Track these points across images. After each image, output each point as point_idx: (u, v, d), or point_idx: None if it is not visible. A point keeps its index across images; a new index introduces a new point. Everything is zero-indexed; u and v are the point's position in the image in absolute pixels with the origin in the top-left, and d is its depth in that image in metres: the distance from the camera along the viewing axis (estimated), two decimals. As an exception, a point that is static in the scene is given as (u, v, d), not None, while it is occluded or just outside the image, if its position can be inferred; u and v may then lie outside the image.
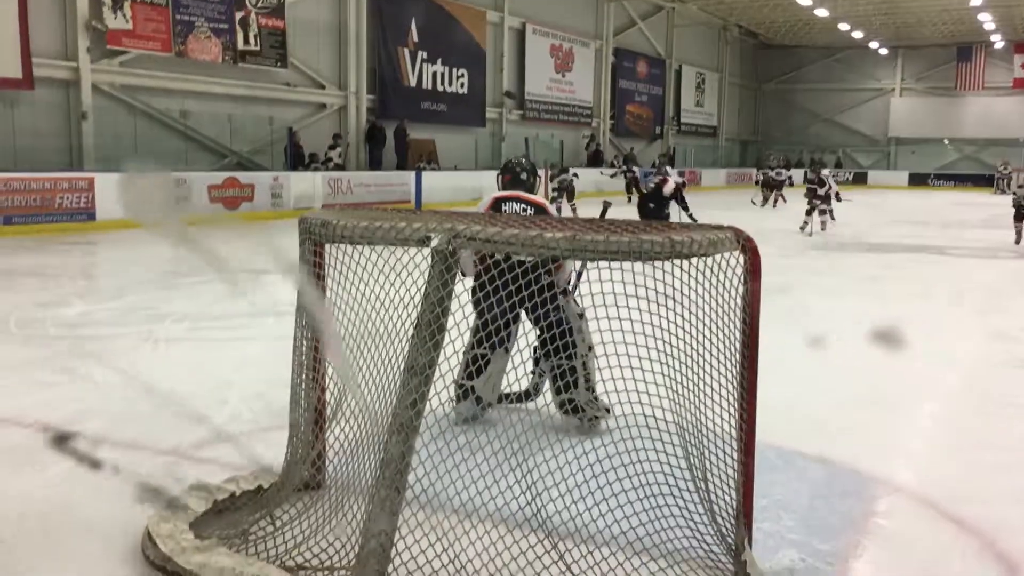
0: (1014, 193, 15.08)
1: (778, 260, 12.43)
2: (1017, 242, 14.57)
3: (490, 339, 4.24)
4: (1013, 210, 14.85)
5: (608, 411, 4.26)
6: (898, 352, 6.94)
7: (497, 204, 4.77)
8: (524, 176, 4.97)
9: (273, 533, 3.24)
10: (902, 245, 15.42)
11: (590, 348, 4.42)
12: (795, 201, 23.10)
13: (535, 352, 4.63)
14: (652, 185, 13.97)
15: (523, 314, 4.48)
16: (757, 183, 28.58)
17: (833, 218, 17.53)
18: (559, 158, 27.99)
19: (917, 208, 25.59)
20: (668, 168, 17.96)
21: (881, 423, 5.06)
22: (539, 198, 4.91)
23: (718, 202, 25.38)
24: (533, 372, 4.72)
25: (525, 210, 4.72)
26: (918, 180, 39.35)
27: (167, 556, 3.03)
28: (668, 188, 13.41)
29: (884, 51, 41.75)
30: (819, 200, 16.95)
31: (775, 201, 25.47)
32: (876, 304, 9.19)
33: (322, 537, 3.10)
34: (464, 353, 4.30)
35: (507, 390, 4.58)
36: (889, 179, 39.56)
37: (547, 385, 4.65)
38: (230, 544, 3.15)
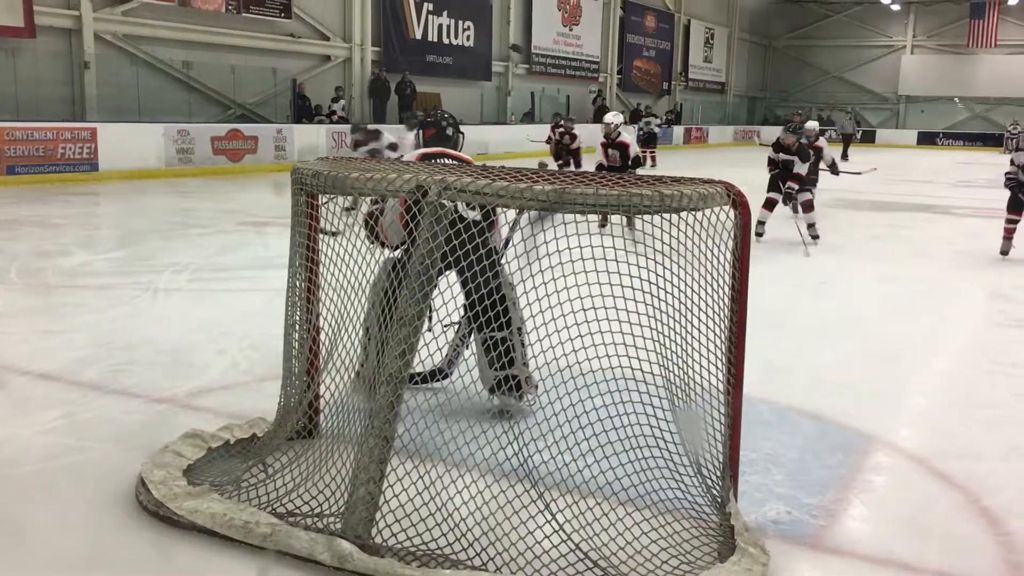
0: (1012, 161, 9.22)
1: (782, 217, 12.39)
2: (1004, 252, 9.40)
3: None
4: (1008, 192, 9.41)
5: (536, 388, 4.01)
6: (899, 310, 6.97)
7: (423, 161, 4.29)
8: (450, 132, 4.56)
9: (265, 480, 3.28)
10: (907, 204, 15.35)
11: (522, 320, 3.95)
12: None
13: (463, 323, 4.13)
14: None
15: (444, 281, 3.72)
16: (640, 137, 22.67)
17: (813, 238, 10.05)
18: (566, 112, 27.79)
19: (924, 167, 25.41)
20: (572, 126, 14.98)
21: (876, 380, 5.08)
22: (465, 155, 4.48)
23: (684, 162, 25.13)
24: (451, 348, 4.16)
25: None
26: (927, 139, 38.97)
27: (159, 501, 3.07)
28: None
29: (896, 7, 41.10)
30: (796, 186, 9.84)
31: (648, 159, 21.10)
32: (879, 262, 9.18)
33: (312, 484, 3.14)
34: (370, 332, 3.66)
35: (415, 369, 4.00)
36: (897, 138, 39.18)
37: (467, 361, 4.01)
38: (222, 491, 3.19)
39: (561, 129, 15.66)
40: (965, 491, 3.58)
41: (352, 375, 3.38)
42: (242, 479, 3.31)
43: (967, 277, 8.21)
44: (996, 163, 23.33)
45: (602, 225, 7.42)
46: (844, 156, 25.03)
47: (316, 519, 3.01)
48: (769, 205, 10.09)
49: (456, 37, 24.65)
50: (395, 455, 2.98)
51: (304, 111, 19.57)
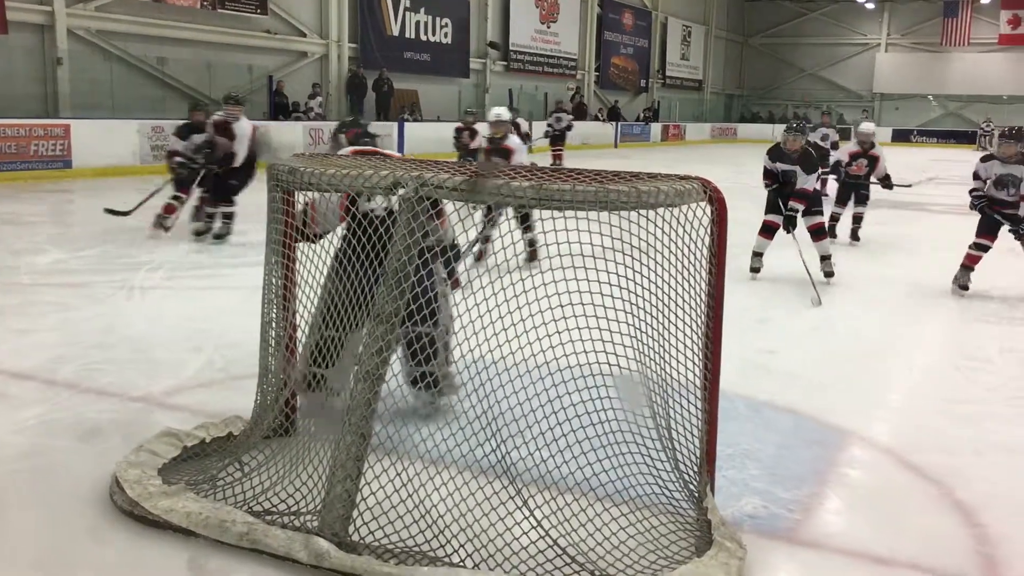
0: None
1: (759, 214, 12.44)
2: (963, 287, 7.44)
3: (344, 317, 3.35)
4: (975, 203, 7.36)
5: (458, 389, 3.79)
6: (875, 307, 7.03)
7: None
8: (371, 130, 4.69)
9: (241, 479, 3.26)
10: (883, 201, 15.43)
11: (451, 319, 3.95)
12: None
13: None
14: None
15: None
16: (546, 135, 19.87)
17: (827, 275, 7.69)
18: (543, 110, 27.76)
19: (899, 164, 25.58)
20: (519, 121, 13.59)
21: (852, 376, 5.12)
22: (397, 153, 4.41)
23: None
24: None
25: None
26: (901, 136, 39.24)
27: (134, 501, 3.05)
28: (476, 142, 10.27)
29: (871, 5, 41.43)
30: (799, 206, 7.50)
31: (554, 160, 19.25)
32: (856, 259, 9.24)
33: (289, 483, 3.12)
34: (311, 333, 3.61)
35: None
36: (873, 135, 39.47)
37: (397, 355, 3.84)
38: (198, 490, 3.17)
39: (459, 124, 14.40)
40: (939, 484, 3.62)
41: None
42: (218, 478, 3.29)
43: (943, 274, 8.27)
44: (970, 160, 23.58)
45: (530, 259, 6.31)
46: None
47: (293, 517, 2.99)
48: (767, 231, 7.71)
49: (434, 34, 24.59)
50: (372, 452, 2.97)
51: (281, 108, 19.46)
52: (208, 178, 8.89)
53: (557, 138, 19.84)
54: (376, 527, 2.88)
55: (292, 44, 20.64)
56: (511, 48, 28.06)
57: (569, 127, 20.52)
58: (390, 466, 3.01)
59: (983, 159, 7.39)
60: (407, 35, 23.62)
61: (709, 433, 3.15)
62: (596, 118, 30.93)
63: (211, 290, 7.01)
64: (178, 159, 8.99)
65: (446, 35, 25.03)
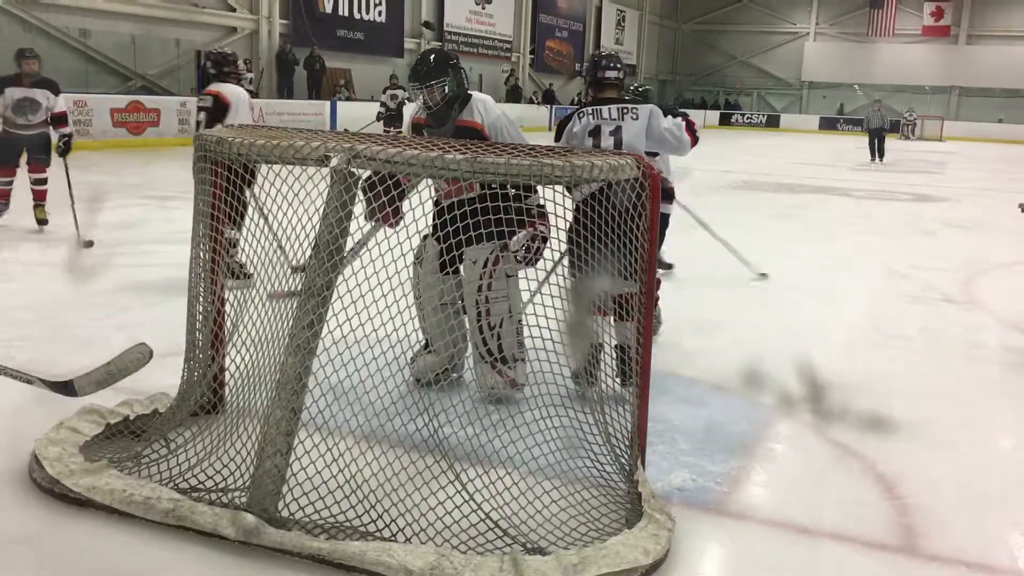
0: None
1: (690, 197, 12.60)
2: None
3: None
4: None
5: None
6: (799, 286, 7.18)
7: None
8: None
9: (167, 456, 3.19)
10: (809, 186, 15.80)
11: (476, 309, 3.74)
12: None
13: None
14: None
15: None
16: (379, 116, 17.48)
17: None
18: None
19: (828, 151, 26.16)
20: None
21: (777, 353, 5.21)
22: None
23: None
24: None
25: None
26: (828, 124, 40.13)
27: (54, 479, 2.96)
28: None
29: (801, -6, 42.25)
30: None
31: None
32: (781, 240, 9.42)
33: (217, 459, 3.06)
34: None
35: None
36: (800, 123, 40.24)
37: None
38: (121, 467, 3.10)
39: None
40: (860, 459, 3.72)
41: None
42: (142, 455, 3.21)
43: (864, 255, 8.49)
44: (892, 148, 24.24)
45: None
46: (879, 155, 20.92)
47: (221, 494, 2.94)
48: None
49: (367, 12, 24.26)
50: (302, 427, 2.93)
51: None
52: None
53: (392, 118, 17.45)
54: (307, 502, 2.85)
55: (221, 19, 20.15)
56: (446, 28, 27.85)
57: (403, 103, 17.47)
58: (320, 441, 2.98)
59: None
60: (340, 12, 23.26)
61: (640, 408, 3.18)
62: (531, 101, 30.96)
63: (137, 267, 6.82)
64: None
65: (380, 13, 24.71)
